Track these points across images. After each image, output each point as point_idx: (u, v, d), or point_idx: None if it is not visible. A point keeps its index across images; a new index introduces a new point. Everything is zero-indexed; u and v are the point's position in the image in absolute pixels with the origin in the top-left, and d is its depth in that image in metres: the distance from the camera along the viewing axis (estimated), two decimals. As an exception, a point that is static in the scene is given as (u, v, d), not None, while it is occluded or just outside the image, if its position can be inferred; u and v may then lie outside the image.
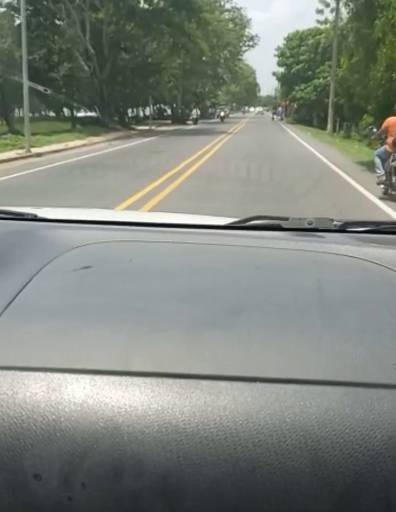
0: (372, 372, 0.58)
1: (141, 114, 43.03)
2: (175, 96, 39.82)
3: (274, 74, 44.08)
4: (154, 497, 0.50)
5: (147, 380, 0.56)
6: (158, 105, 47.54)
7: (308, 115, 39.32)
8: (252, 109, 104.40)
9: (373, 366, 0.59)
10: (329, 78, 35.40)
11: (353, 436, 0.52)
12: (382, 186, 7.43)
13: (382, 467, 0.50)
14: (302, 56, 37.61)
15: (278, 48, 39.93)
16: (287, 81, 40.40)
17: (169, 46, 27.13)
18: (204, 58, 42.08)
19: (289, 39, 39.40)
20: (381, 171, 7.40)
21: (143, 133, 23.82)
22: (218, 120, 48.12)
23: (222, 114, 42.68)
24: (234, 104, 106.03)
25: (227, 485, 0.50)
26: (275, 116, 51.25)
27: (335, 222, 1.10)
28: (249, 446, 0.51)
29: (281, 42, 40.67)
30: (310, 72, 36.94)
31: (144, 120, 37.92)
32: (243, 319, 0.67)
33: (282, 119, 50.04)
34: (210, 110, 59.16)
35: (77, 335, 0.64)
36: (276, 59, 40.72)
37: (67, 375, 0.57)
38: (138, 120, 37.61)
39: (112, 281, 0.79)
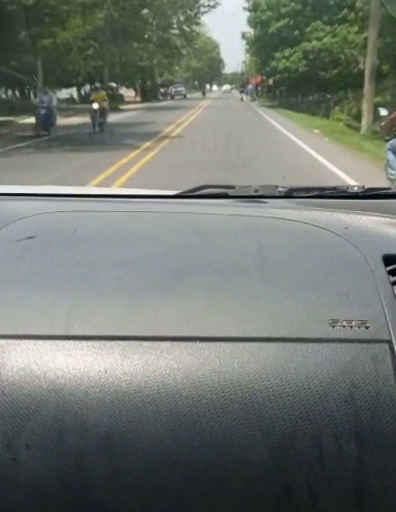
0: (308, 327, 0.60)
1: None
2: (100, 69, 27.30)
3: (243, 36, 32.03)
4: (98, 455, 0.52)
5: (89, 343, 0.58)
6: (93, 84, 35.19)
7: (294, 95, 27.59)
8: (215, 87, 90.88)
9: (309, 322, 0.61)
10: (326, 39, 23.78)
11: (288, 388, 0.55)
12: None
13: (315, 416, 0.53)
14: (285, 8, 25.60)
15: (249, -1, 27.81)
16: (262, 46, 28.34)
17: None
18: (145, 14, 29.95)
19: (265, -16, 27.25)
20: None
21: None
22: (168, 103, 36.10)
23: (96, 106, 13.76)
24: (196, 82, 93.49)
25: (168, 439, 0.53)
26: (244, 96, 39.38)
27: (280, 189, 1.11)
28: (189, 402, 0.54)
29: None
30: (296, 32, 25.02)
31: (80, 102, 26.01)
32: (184, 283, 0.68)
33: (253, 99, 38.23)
34: (162, 90, 46.88)
35: (19, 303, 0.65)
36: (247, 21, 28.78)
37: (9, 341, 0.58)
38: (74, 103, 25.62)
39: (56, 250, 0.79)
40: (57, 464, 0.52)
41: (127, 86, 38.95)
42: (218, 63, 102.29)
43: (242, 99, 38.96)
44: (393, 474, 0.52)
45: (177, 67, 63.87)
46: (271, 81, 36.82)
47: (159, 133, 12.61)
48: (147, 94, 39.21)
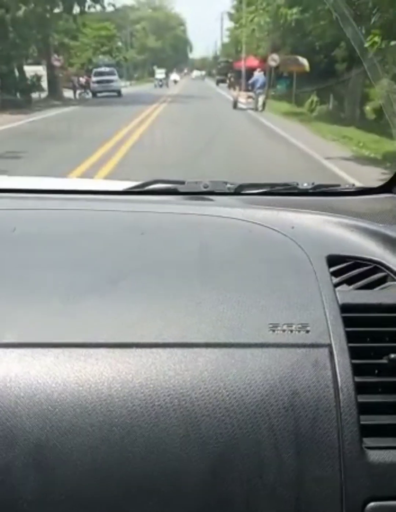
0: (247, 332, 0.60)
1: None
2: None
3: None
4: (27, 468, 0.51)
5: (21, 351, 0.56)
6: None
7: None
8: (176, 77, 65.63)
9: (248, 327, 0.60)
10: None
11: (226, 396, 0.54)
12: None
13: (254, 425, 0.53)
14: None
15: None
16: None
17: None
18: None
19: None
20: None
21: None
22: (45, 120, 13.46)
23: None
24: (155, 67, 70.73)
25: (100, 451, 0.52)
26: (240, 99, 17.15)
27: (229, 185, 1.11)
28: (122, 411, 0.53)
29: None
30: None
31: None
32: (122, 285, 0.67)
33: (263, 106, 15.93)
34: (78, 80, 24.18)
35: None
36: None
37: None
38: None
39: None
40: None
41: None
42: (183, 43, 79.76)
43: (234, 105, 16.79)
44: (329, 479, 0.52)
45: (120, 43, 41.41)
46: (306, 63, 14.97)
47: None
48: (9, 92, 16.19)
